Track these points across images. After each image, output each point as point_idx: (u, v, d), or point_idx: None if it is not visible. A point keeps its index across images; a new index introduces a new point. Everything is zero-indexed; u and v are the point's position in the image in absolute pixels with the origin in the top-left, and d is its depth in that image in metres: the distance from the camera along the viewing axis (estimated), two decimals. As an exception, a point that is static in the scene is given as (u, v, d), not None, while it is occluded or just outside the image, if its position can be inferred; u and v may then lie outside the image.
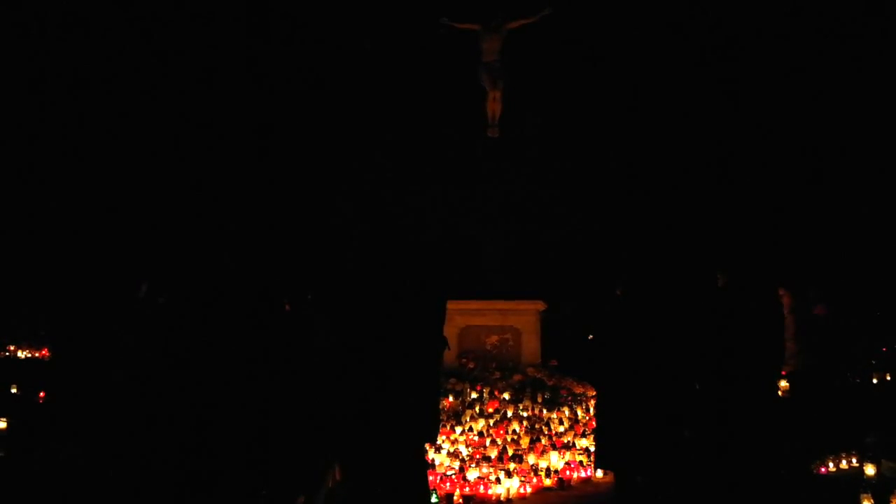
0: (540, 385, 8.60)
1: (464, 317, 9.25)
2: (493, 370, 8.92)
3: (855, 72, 12.32)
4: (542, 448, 6.60)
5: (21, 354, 10.58)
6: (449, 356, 4.98)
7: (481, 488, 5.73)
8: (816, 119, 12.38)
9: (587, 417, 7.65)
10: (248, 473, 4.86)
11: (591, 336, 5.47)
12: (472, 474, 5.89)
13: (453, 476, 5.83)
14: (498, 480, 5.78)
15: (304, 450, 4.96)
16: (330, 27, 12.64)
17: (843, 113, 12.30)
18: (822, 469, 6.32)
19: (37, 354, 10.54)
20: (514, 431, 7.15)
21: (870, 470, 5.93)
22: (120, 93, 13.01)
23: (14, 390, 8.41)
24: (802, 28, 12.37)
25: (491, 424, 7.35)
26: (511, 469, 5.99)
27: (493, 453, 6.41)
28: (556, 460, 6.37)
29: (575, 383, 8.70)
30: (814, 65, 12.40)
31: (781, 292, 7.32)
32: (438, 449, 6.49)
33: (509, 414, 7.72)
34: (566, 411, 7.86)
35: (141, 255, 11.29)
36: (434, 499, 5.22)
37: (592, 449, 6.45)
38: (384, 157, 12.15)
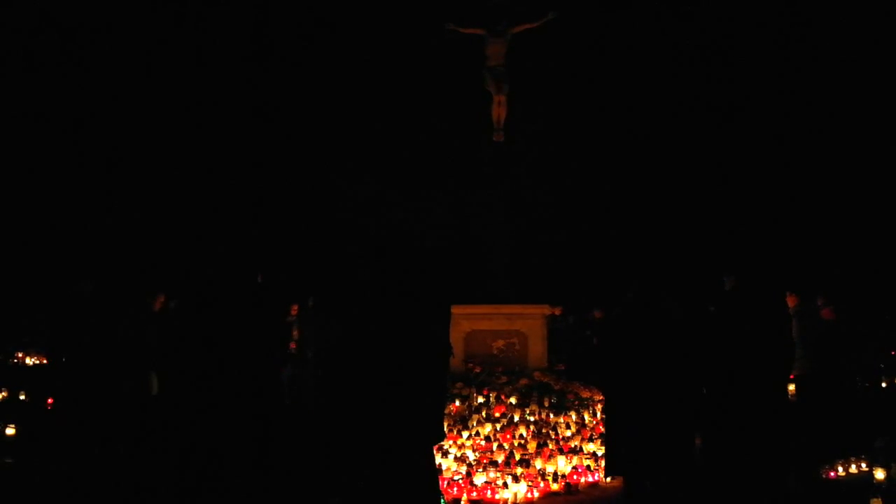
0: (547, 389, 8.56)
1: (470, 321, 9.22)
2: (500, 374, 8.88)
3: (862, 77, 12.28)
4: (549, 452, 6.58)
5: (29, 361, 10.61)
6: (455, 360, 4.97)
7: (489, 493, 5.72)
8: (825, 123, 12.34)
9: (594, 422, 7.62)
10: (254, 479, 4.86)
11: (596, 340, 5.47)
12: (479, 479, 5.88)
13: (460, 481, 5.83)
14: (505, 485, 5.77)
15: (310, 455, 4.96)
16: (336, 31, 12.70)
17: (849, 116, 12.26)
18: (832, 473, 6.28)
19: (45, 361, 10.57)
20: (520, 436, 7.13)
21: (879, 474, 5.88)
22: (123, 97, 13.08)
23: (22, 397, 8.45)
24: (807, 31, 12.35)
25: (498, 429, 7.34)
26: (518, 474, 5.98)
27: (500, 458, 6.40)
28: (563, 465, 6.36)
29: (582, 387, 8.66)
30: (821, 69, 12.37)
31: (788, 295, 7.32)
32: (445, 454, 6.48)
33: (516, 418, 7.70)
34: (573, 416, 7.84)
35: (148, 260, 11.34)
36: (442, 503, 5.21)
37: (600, 453, 6.44)
38: (390, 161, 12.18)
